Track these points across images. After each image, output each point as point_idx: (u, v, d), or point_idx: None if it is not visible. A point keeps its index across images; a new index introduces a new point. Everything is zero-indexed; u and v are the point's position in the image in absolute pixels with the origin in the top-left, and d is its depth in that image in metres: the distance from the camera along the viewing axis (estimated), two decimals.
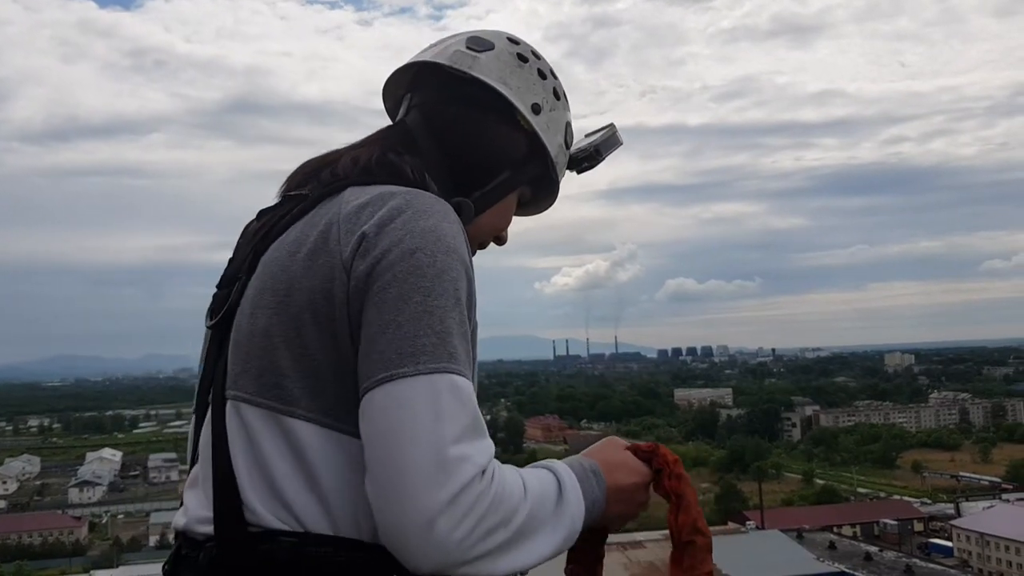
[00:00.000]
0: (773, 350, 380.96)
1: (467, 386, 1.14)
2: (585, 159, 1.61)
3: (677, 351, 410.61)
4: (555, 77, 1.53)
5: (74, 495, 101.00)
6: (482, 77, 1.43)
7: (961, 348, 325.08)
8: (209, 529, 1.20)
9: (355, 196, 1.27)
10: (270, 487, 1.18)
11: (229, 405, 1.25)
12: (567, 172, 1.61)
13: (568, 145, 1.56)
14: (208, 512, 1.21)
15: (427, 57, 1.47)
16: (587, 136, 1.66)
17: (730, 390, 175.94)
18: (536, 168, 1.50)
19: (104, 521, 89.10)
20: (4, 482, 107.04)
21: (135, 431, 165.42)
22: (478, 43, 1.47)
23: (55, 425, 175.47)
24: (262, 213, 1.43)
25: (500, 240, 1.56)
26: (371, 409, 1.12)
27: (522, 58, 1.48)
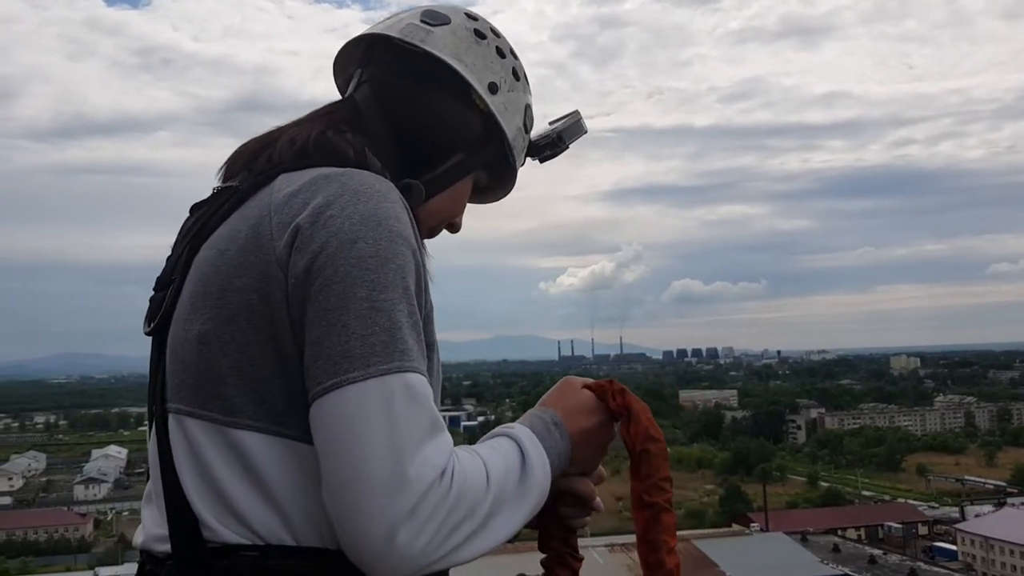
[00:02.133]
0: (778, 352, 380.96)
1: (421, 383, 1.08)
2: (547, 146, 1.52)
3: (682, 352, 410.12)
4: (515, 57, 1.45)
5: (79, 492, 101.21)
6: (435, 51, 1.34)
7: (967, 351, 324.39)
8: (167, 547, 1.16)
9: (287, 183, 1.18)
10: (222, 501, 1.13)
11: (171, 418, 1.19)
12: (528, 160, 1.53)
13: (527, 129, 1.47)
14: (164, 530, 1.16)
15: (379, 30, 1.39)
16: (550, 123, 1.56)
17: (735, 392, 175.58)
18: (492, 151, 1.41)
19: (109, 518, 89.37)
20: (10, 479, 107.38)
21: (140, 428, 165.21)
22: (433, 16, 1.38)
23: (61, 422, 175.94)
24: (195, 208, 1.33)
25: (453, 227, 1.48)
26: (322, 418, 1.06)
27: (479, 34, 1.40)
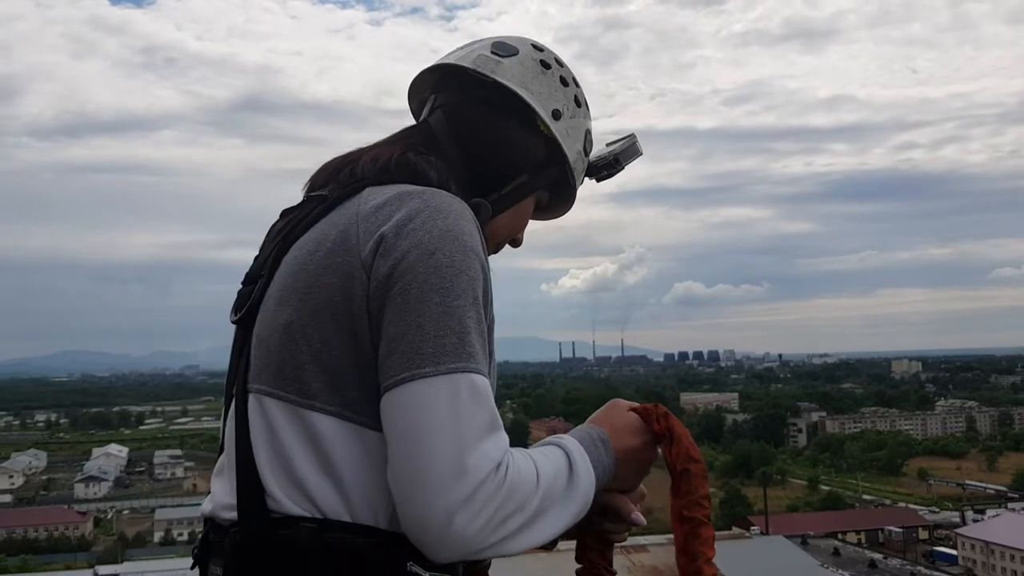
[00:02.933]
0: (780, 355, 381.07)
1: (484, 384, 1.19)
2: (604, 167, 1.65)
3: (684, 355, 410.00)
4: (577, 85, 1.57)
5: (80, 490, 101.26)
6: (504, 81, 1.46)
7: (969, 356, 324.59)
8: (233, 515, 1.26)
9: (373, 196, 1.31)
10: (290, 475, 1.23)
11: (252, 398, 1.30)
12: (586, 179, 1.64)
13: (587, 152, 1.59)
14: (232, 499, 1.27)
15: (452, 60, 1.52)
16: (608, 145, 1.69)
17: (736, 395, 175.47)
18: (554, 174, 1.53)
19: (109, 516, 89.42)
20: (11, 476, 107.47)
21: (141, 427, 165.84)
22: (502, 48, 1.51)
23: (62, 420, 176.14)
24: (285, 213, 1.47)
25: (515, 242, 1.60)
26: (393, 408, 1.16)
27: (545, 65, 1.52)
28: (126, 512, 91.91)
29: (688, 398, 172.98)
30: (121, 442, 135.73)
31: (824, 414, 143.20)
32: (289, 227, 1.39)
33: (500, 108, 1.47)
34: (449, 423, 1.13)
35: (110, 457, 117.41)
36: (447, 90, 1.52)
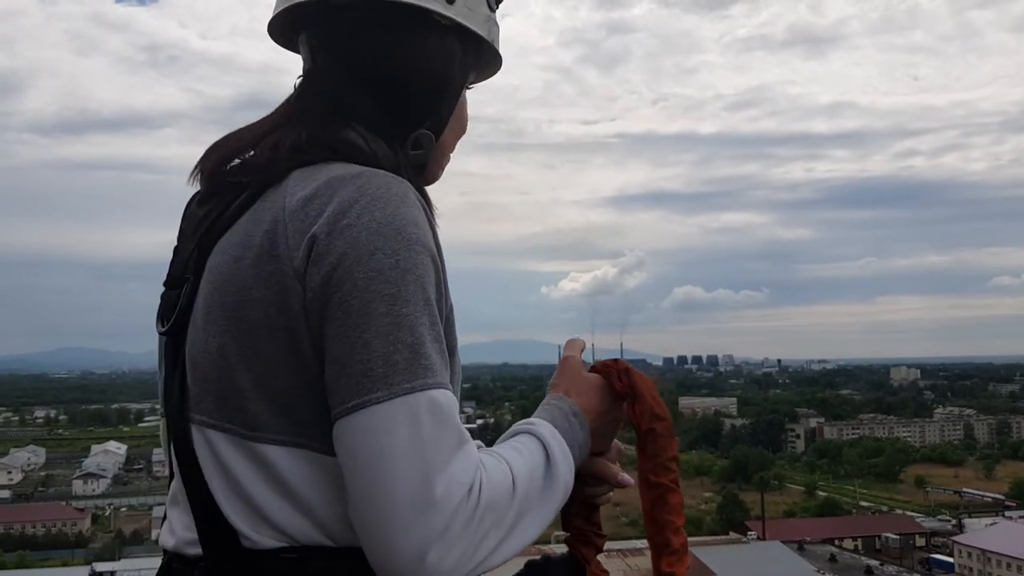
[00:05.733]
0: (779, 361, 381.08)
1: (446, 399, 1.06)
2: None
3: (683, 359, 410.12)
4: None
5: (78, 487, 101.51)
6: None
7: (967, 364, 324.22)
8: (198, 550, 1.15)
9: (301, 185, 1.13)
10: (254, 511, 1.13)
11: (195, 429, 1.18)
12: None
13: (492, 7, 1.37)
14: (194, 534, 1.16)
15: None
16: None
17: (735, 400, 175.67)
18: (474, 55, 1.35)
19: (107, 514, 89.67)
20: (9, 472, 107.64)
21: (140, 424, 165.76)
22: None
23: (61, 417, 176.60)
24: (202, 201, 1.28)
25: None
26: (346, 439, 1.04)
27: None
28: (124, 509, 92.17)
29: (687, 403, 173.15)
30: (120, 439, 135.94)
31: (822, 420, 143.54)
32: (208, 222, 1.22)
33: (395, 28, 1.25)
34: (411, 452, 1.01)
35: (108, 454, 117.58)
36: (317, 25, 1.29)
